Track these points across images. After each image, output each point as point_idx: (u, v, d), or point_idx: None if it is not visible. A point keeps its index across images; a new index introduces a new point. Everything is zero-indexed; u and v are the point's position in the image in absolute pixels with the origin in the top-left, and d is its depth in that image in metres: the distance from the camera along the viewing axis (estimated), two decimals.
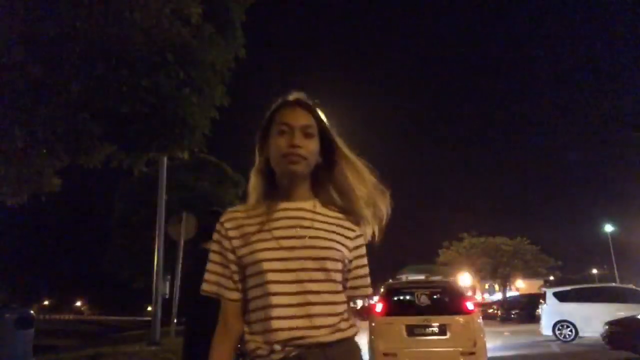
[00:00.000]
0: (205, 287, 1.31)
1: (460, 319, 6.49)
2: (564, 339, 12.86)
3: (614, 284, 18.66)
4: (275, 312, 1.17)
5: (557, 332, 13.07)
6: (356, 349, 1.27)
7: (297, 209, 1.30)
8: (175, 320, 10.27)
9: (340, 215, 1.33)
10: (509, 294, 39.39)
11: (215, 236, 1.32)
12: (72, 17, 5.36)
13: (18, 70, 5.42)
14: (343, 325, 1.24)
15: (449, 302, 6.89)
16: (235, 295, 1.27)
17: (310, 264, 1.21)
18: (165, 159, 10.19)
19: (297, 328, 1.17)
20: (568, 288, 14.01)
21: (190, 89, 6.23)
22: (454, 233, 45.12)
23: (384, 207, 1.35)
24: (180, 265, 9.60)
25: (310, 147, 1.28)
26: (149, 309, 20.48)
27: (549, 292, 13.81)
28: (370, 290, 1.38)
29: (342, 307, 1.25)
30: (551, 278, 39.33)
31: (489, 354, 6.78)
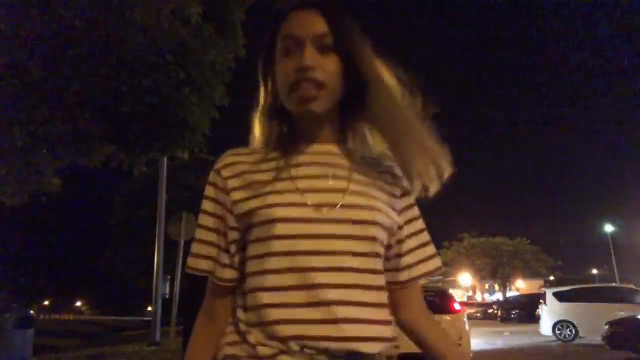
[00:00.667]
0: (192, 263, 0.91)
1: (448, 317, 7.45)
2: (564, 339, 12.85)
3: (614, 284, 18.66)
4: None
5: (557, 332, 13.06)
6: None
7: (328, 153, 0.91)
8: (175, 320, 10.27)
9: (382, 165, 0.94)
10: (509, 294, 39.39)
11: (210, 191, 0.92)
12: (72, 17, 5.37)
13: (18, 70, 5.43)
14: (387, 326, 0.87)
15: (439, 303, 7.75)
16: (229, 273, 0.89)
17: (350, 230, 0.83)
18: (165, 159, 10.21)
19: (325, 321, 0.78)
20: (568, 288, 13.99)
21: (190, 89, 6.25)
22: (454, 233, 45.29)
23: (445, 162, 0.89)
24: (180, 265, 9.60)
25: (329, 67, 0.85)
26: (149, 309, 20.51)
27: (549, 292, 13.79)
28: (439, 262, 0.98)
29: (386, 296, 0.88)
30: (551, 278, 39.36)
31: (490, 353, 7.02)
